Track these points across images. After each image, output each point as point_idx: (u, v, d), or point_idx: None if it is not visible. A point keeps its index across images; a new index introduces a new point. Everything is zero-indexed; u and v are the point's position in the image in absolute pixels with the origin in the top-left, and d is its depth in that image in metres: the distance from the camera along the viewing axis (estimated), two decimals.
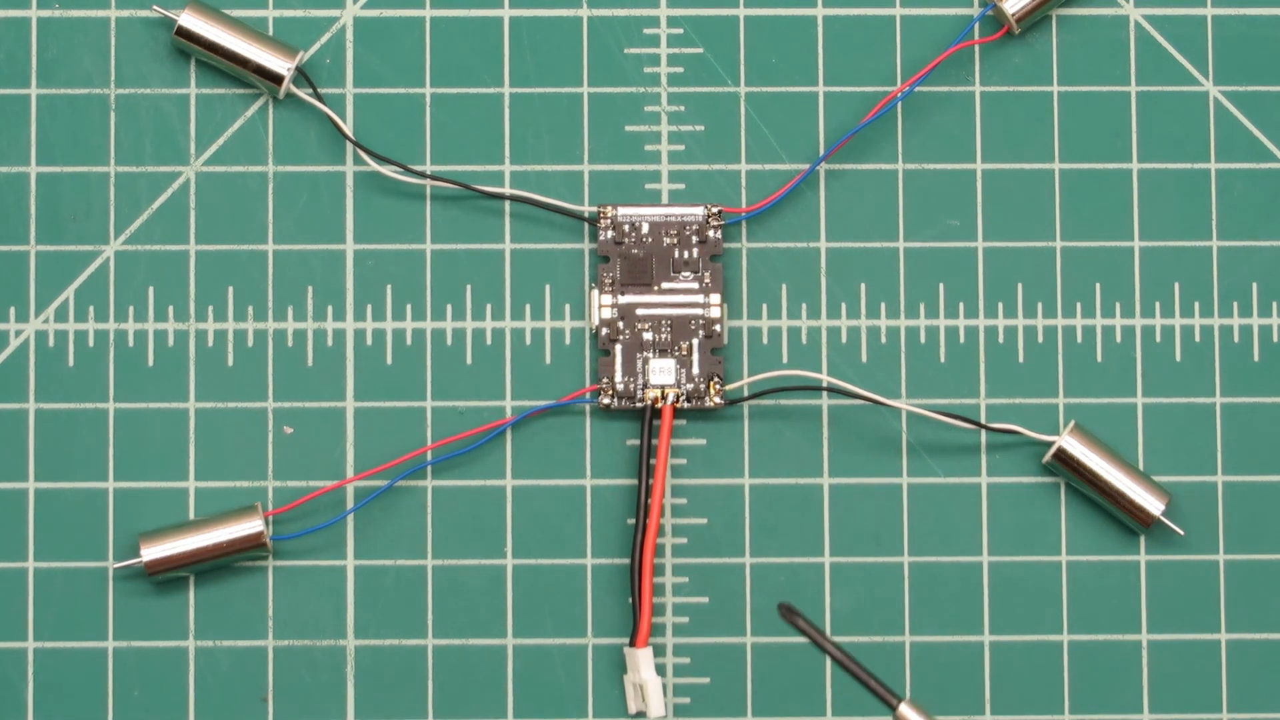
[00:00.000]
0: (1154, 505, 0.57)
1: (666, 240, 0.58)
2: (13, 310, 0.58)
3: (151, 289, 0.59)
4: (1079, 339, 0.59)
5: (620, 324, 0.58)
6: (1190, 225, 0.59)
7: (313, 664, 0.58)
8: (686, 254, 0.58)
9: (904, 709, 0.51)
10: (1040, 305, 0.59)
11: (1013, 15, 0.59)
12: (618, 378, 0.58)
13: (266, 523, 0.57)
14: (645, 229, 0.59)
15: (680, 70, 0.60)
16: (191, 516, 0.58)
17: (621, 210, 0.59)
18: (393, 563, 0.58)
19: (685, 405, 0.58)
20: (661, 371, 0.58)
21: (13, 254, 0.59)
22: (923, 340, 0.59)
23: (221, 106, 0.59)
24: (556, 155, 0.59)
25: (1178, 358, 0.59)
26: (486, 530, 0.58)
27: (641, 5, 0.60)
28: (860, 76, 0.60)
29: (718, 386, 0.58)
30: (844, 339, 0.59)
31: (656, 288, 0.58)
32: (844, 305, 0.59)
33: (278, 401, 0.58)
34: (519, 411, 0.58)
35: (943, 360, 0.59)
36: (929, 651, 0.58)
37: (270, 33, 0.59)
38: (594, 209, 0.59)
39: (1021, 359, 0.59)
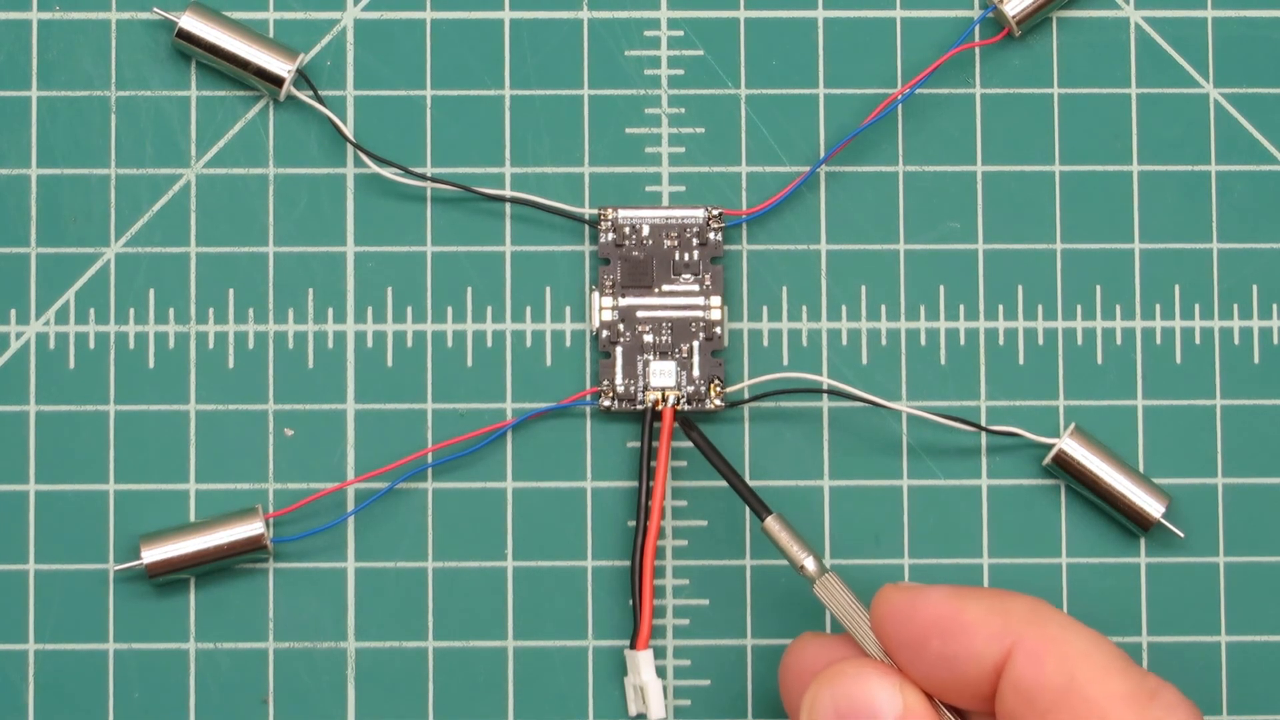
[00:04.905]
0: (1154, 507, 0.57)
1: (667, 242, 0.58)
2: (13, 312, 0.58)
3: (152, 291, 0.59)
4: (1079, 341, 0.59)
5: (621, 326, 0.58)
6: (1190, 227, 0.59)
7: (313, 666, 0.58)
8: (687, 256, 0.58)
9: (770, 521, 0.52)
10: (1040, 307, 0.59)
11: (1013, 17, 0.59)
12: (618, 380, 0.58)
13: (267, 525, 0.57)
14: (646, 231, 0.59)
15: (681, 72, 0.60)
16: (192, 519, 0.58)
17: (622, 212, 0.59)
18: (393, 565, 0.58)
19: (686, 407, 0.58)
20: (662, 374, 0.58)
21: (13, 256, 0.59)
22: (923, 342, 0.59)
23: (222, 109, 0.59)
24: (557, 157, 0.59)
25: (1178, 360, 0.59)
26: (487, 532, 0.58)
27: (642, 7, 0.60)
28: (860, 79, 0.60)
29: (718, 389, 0.58)
30: (844, 341, 0.59)
31: (657, 290, 0.58)
32: (844, 307, 0.59)
33: (278, 404, 0.58)
34: (519, 414, 0.58)
35: (943, 362, 0.59)
36: None
37: (271, 35, 0.59)
38: (594, 211, 0.59)
39: (1022, 361, 0.59)
